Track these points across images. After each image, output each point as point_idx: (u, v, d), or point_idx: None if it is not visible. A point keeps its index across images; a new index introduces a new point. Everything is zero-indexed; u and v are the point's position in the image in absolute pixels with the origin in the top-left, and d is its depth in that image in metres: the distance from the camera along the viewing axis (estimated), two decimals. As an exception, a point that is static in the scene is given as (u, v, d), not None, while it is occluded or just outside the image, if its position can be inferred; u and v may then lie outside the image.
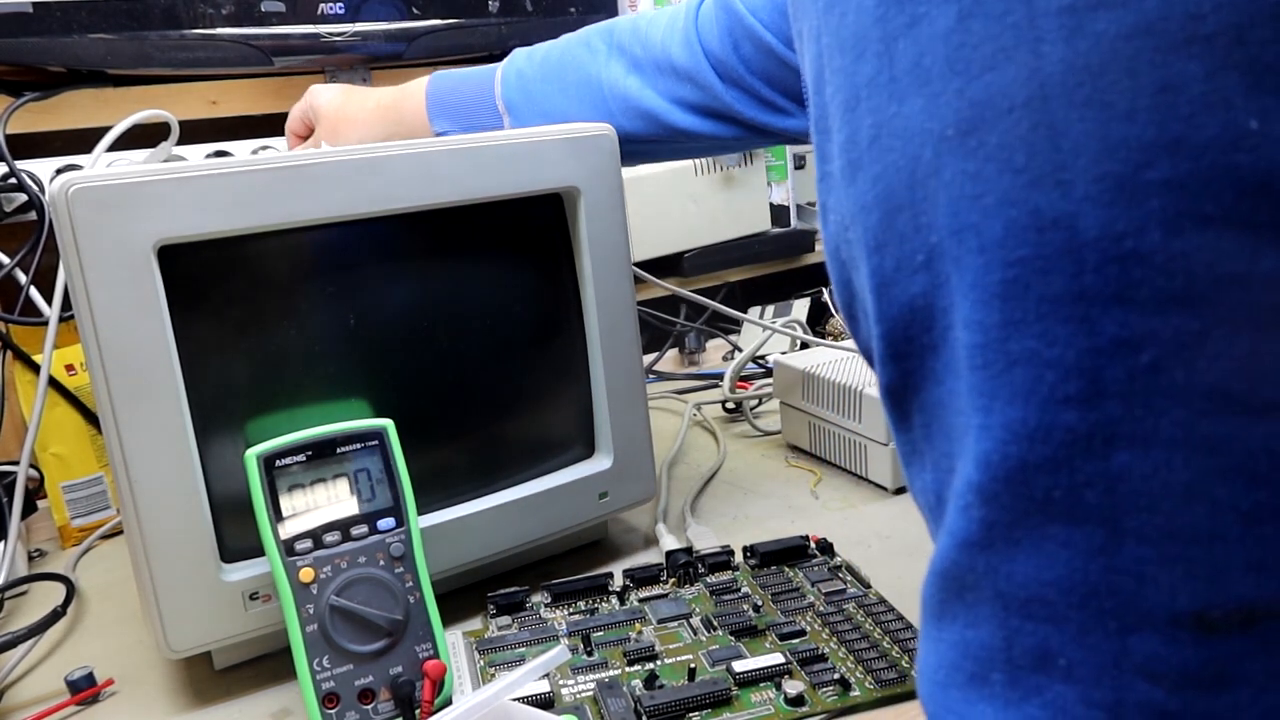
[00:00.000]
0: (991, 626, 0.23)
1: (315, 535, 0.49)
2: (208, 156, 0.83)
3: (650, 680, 0.49)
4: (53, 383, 0.74)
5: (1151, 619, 0.20)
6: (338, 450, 0.50)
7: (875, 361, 0.26)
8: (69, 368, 0.76)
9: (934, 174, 0.22)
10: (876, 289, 0.25)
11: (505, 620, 0.57)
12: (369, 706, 0.48)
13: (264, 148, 0.88)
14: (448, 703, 0.47)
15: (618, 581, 0.60)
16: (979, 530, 0.22)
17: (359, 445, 0.51)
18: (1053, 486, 0.21)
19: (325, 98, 0.73)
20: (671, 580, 0.60)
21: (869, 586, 0.58)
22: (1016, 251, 0.20)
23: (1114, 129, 0.19)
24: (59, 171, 0.79)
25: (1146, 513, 0.20)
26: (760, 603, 0.57)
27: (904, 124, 0.23)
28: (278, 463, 0.49)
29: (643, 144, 0.67)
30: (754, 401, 0.95)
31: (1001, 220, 0.21)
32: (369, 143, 0.70)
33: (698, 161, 1.14)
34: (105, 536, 0.77)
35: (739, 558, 0.62)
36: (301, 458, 0.49)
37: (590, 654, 0.53)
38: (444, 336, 0.58)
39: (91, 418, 0.77)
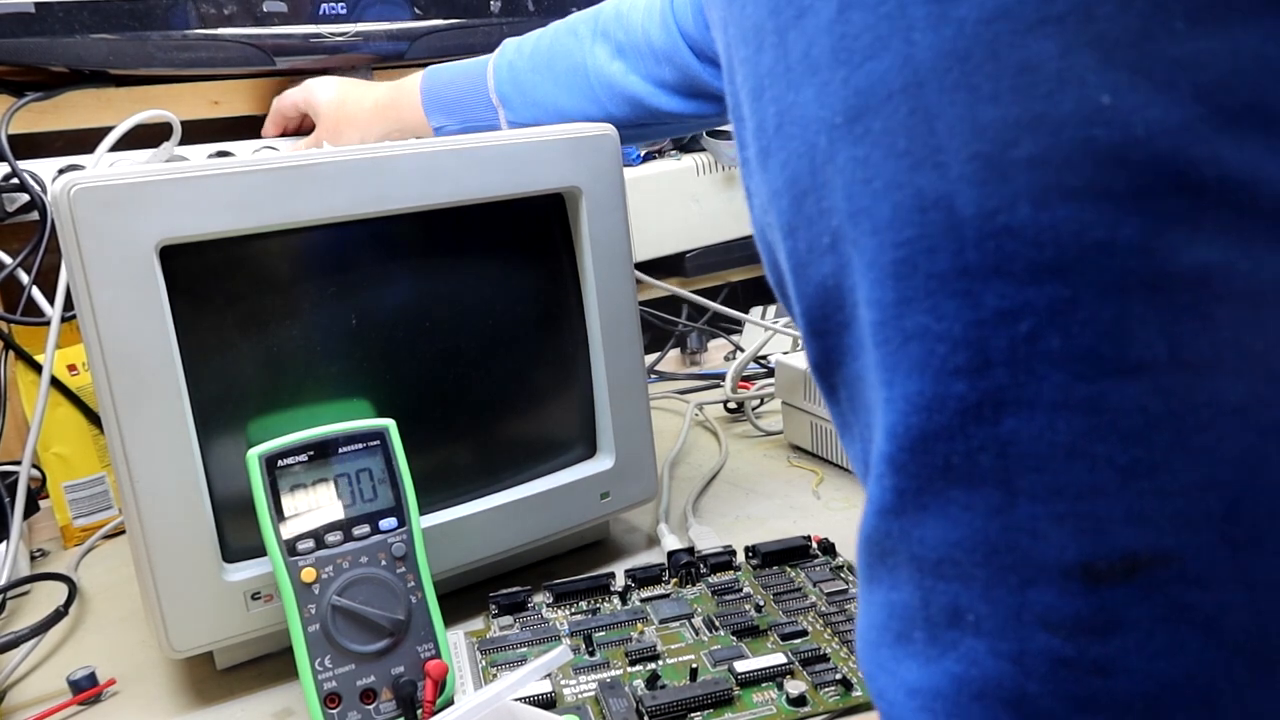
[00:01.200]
0: (910, 588, 0.24)
1: (317, 535, 0.49)
2: (210, 157, 0.83)
3: (652, 680, 0.49)
4: (55, 383, 0.74)
5: (1046, 572, 0.21)
6: (340, 450, 0.50)
7: (804, 338, 0.27)
8: (71, 368, 0.77)
9: (829, 160, 0.23)
10: (793, 270, 0.26)
11: (507, 620, 0.57)
12: (371, 706, 0.48)
13: (266, 148, 0.88)
14: (449, 703, 0.47)
15: (619, 581, 0.60)
16: (892, 498, 0.24)
17: (361, 445, 0.51)
18: (950, 453, 0.22)
19: (325, 96, 0.73)
20: (673, 580, 0.60)
21: (871, 586, 0.58)
22: (904, 232, 0.21)
23: (981, 110, 0.20)
24: (61, 172, 0.79)
25: (1035, 473, 0.21)
26: (762, 603, 0.57)
27: (801, 112, 0.24)
28: (280, 463, 0.49)
29: (633, 129, 0.68)
30: (756, 401, 0.95)
31: (889, 203, 0.22)
32: (369, 142, 0.70)
33: (699, 161, 1.14)
34: (107, 536, 0.77)
35: (741, 558, 0.62)
36: (303, 458, 0.49)
37: (592, 654, 0.53)
38: (445, 336, 0.58)
39: (93, 418, 0.77)
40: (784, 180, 0.25)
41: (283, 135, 0.86)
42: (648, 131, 0.70)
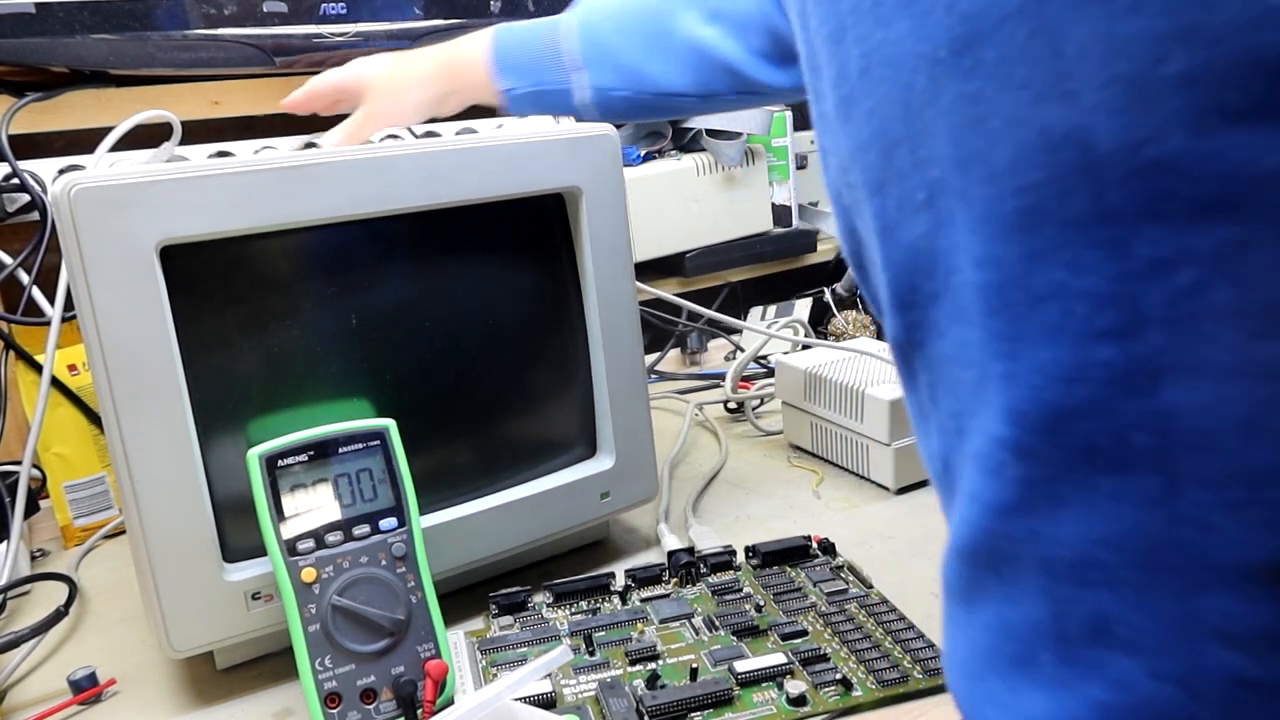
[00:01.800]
0: (1035, 599, 0.20)
1: (317, 535, 0.49)
2: (210, 157, 0.83)
3: (652, 680, 0.49)
4: (55, 383, 0.74)
5: (1222, 574, 0.17)
6: (340, 450, 0.50)
7: (884, 314, 0.24)
8: (71, 368, 0.77)
9: (931, 101, 0.20)
10: (880, 233, 0.23)
11: (507, 620, 0.57)
12: (371, 706, 0.48)
13: (266, 148, 0.88)
14: (450, 703, 0.47)
15: (619, 581, 0.60)
16: (1015, 491, 0.20)
17: (361, 445, 0.51)
18: (1096, 432, 0.19)
19: (376, 67, 0.68)
20: (673, 580, 0.60)
21: (871, 587, 0.58)
22: (1028, 176, 0.19)
23: (1120, 24, 0.17)
24: (61, 172, 0.79)
25: (1204, 452, 0.18)
26: (762, 603, 0.57)
27: (893, 50, 0.21)
28: (280, 462, 0.49)
29: (726, 101, 0.63)
30: (756, 401, 0.95)
31: (1009, 143, 0.19)
32: (427, 104, 0.66)
33: (699, 161, 1.14)
34: (108, 536, 0.78)
35: (741, 558, 0.62)
36: (304, 457, 0.49)
37: (592, 654, 0.53)
38: (446, 336, 0.58)
39: (94, 417, 0.77)
40: (870, 131, 0.22)
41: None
42: (740, 102, 0.64)
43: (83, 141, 0.79)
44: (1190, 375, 0.17)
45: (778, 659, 0.50)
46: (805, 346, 0.99)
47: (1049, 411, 0.19)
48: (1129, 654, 0.18)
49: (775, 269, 1.24)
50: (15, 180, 0.76)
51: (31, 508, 0.78)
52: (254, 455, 0.49)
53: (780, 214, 1.24)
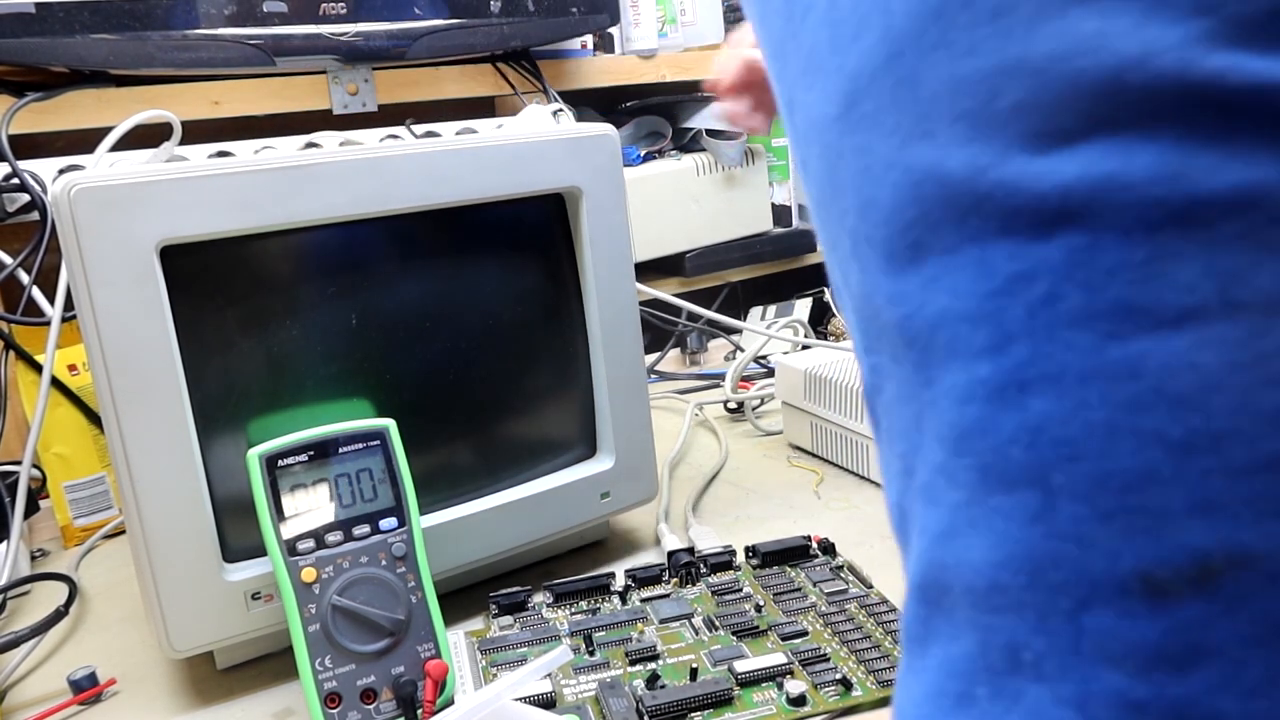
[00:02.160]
0: (968, 631, 0.19)
1: (317, 535, 0.49)
2: (210, 157, 0.82)
3: (652, 680, 0.49)
4: (55, 383, 0.74)
5: (1099, 589, 0.17)
6: (340, 450, 0.50)
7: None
8: (71, 368, 0.77)
9: (840, 156, 0.21)
10: (838, 285, 0.24)
11: (507, 620, 0.57)
12: (371, 706, 0.48)
13: (266, 148, 0.88)
14: (450, 703, 0.47)
15: (619, 581, 0.60)
16: (946, 517, 0.20)
17: (361, 445, 0.51)
18: (984, 450, 0.19)
19: None
20: (673, 580, 0.60)
21: (871, 587, 0.58)
22: (906, 214, 0.20)
23: (959, 66, 0.19)
24: (61, 172, 0.79)
25: (1071, 461, 0.18)
26: (762, 603, 0.57)
27: (814, 112, 0.22)
28: (280, 462, 0.49)
29: None
30: (756, 401, 0.95)
31: (888, 186, 0.20)
32: None
33: (699, 161, 1.14)
34: (107, 536, 0.78)
35: (741, 558, 0.62)
36: (304, 457, 0.49)
37: (592, 654, 0.53)
38: (446, 336, 0.58)
39: (94, 417, 0.77)
40: (815, 191, 0.23)
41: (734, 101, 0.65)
42: None
43: (83, 141, 0.79)
44: (1052, 383, 0.18)
45: (778, 659, 0.50)
46: (805, 346, 0.99)
47: (956, 433, 0.19)
48: (1038, 681, 0.18)
49: (775, 269, 1.24)
50: (15, 180, 0.76)
51: (31, 508, 0.78)
52: (254, 455, 0.49)
53: (780, 214, 1.24)
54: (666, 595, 0.59)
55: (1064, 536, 0.18)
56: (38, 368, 0.76)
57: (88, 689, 0.55)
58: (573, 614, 0.57)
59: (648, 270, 1.14)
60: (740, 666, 0.50)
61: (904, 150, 0.20)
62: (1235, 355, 0.16)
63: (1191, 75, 0.17)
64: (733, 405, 0.95)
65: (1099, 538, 0.17)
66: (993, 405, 0.18)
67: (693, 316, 1.11)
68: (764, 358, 1.03)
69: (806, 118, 0.23)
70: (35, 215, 0.78)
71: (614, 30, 1.12)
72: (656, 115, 1.17)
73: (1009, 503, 0.18)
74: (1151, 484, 0.17)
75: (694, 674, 0.49)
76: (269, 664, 0.56)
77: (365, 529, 0.50)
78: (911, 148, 0.20)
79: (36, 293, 0.77)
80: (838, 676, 0.49)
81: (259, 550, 0.50)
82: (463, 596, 0.60)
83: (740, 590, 0.59)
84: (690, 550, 0.63)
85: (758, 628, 0.54)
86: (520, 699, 0.46)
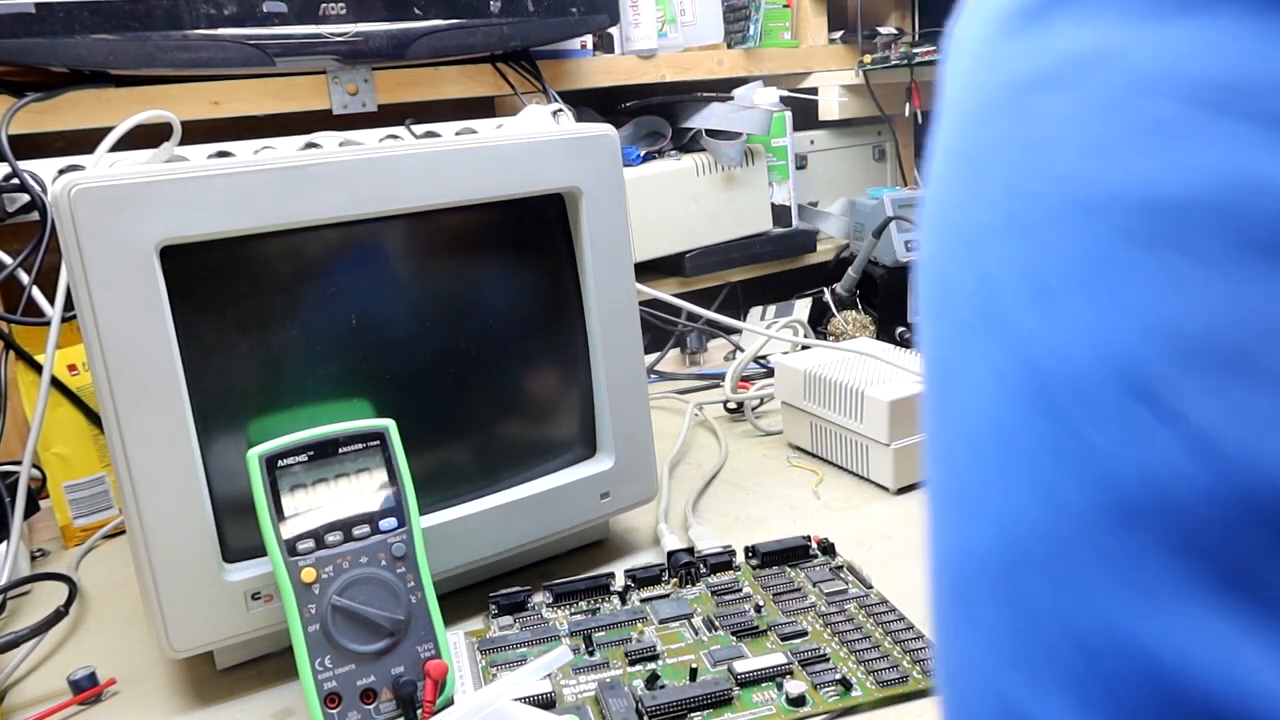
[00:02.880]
0: None
1: (317, 535, 0.49)
2: (210, 157, 0.83)
3: (652, 680, 0.49)
4: (55, 383, 0.74)
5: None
6: (339, 450, 0.50)
7: None
8: (71, 368, 0.77)
9: None
10: None
11: (507, 620, 0.57)
12: (371, 706, 0.48)
13: (266, 148, 0.88)
14: (449, 703, 0.47)
15: (619, 581, 0.60)
16: None
17: (361, 445, 0.51)
18: None
19: None
20: (673, 580, 0.60)
21: (871, 587, 0.58)
22: None
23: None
24: (61, 172, 0.79)
25: None
26: (762, 603, 0.57)
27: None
28: (280, 463, 0.49)
29: None
30: (756, 401, 0.95)
31: None
32: None
33: (699, 161, 1.14)
34: (107, 536, 0.77)
35: (740, 558, 0.62)
36: (303, 458, 0.49)
37: (592, 654, 0.53)
38: (445, 337, 0.58)
39: (94, 418, 0.77)
40: None
41: None
42: None
43: (83, 141, 0.79)
44: None
45: (777, 659, 0.50)
46: (805, 347, 0.99)
47: None
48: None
49: (775, 269, 1.24)
50: (15, 180, 0.76)
51: (31, 508, 0.78)
52: (254, 455, 0.49)
53: (780, 214, 1.24)
54: (666, 595, 0.59)
55: None
56: (38, 368, 0.76)
57: (88, 689, 0.55)
58: (572, 614, 0.57)
59: (647, 270, 1.14)
60: (740, 667, 0.50)
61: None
62: None
63: None
64: (732, 405, 0.95)
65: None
66: None
67: (692, 316, 1.11)
68: (764, 358, 1.03)
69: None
70: (35, 215, 0.78)
71: (614, 30, 1.12)
72: (656, 115, 1.17)
73: None
74: None
75: (694, 674, 0.49)
76: (269, 664, 0.56)
77: (365, 529, 0.50)
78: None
79: (36, 293, 0.77)
80: (837, 677, 0.49)
81: (259, 550, 0.50)
82: (462, 596, 0.60)
83: (740, 590, 0.59)
84: (690, 550, 0.63)
85: (757, 628, 0.54)
86: (520, 699, 0.47)
